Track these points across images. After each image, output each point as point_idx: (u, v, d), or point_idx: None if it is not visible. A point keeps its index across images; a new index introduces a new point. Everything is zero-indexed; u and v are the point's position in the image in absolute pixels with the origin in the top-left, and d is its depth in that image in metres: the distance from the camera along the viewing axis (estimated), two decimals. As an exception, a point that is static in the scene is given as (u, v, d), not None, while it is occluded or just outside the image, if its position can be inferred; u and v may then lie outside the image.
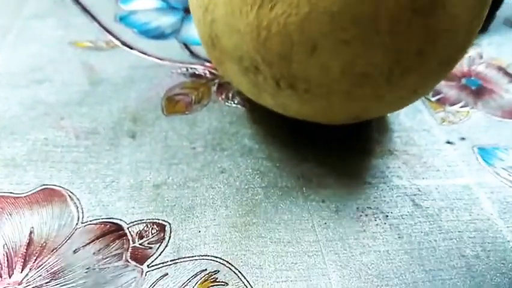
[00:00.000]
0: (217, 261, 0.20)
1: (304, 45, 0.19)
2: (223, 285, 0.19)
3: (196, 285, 0.19)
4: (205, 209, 0.23)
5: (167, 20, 0.36)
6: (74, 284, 0.19)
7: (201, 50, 0.33)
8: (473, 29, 0.20)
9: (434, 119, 0.29)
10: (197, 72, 0.31)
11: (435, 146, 0.27)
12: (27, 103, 0.28)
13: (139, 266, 0.20)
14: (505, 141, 0.28)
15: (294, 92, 0.21)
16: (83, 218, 0.22)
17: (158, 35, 0.35)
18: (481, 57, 0.35)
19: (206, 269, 0.20)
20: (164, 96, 0.29)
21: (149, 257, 0.20)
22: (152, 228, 0.21)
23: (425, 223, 0.23)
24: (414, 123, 0.28)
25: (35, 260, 0.20)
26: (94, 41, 0.33)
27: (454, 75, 0.33)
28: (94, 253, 0.20)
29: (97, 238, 0.21)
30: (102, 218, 0.22)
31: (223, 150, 0.26)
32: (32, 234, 0.21)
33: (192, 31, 0.35)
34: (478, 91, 0.32)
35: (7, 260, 0.20)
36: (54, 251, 0.20)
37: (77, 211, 0.22)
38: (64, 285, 0.19)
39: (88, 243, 0.20)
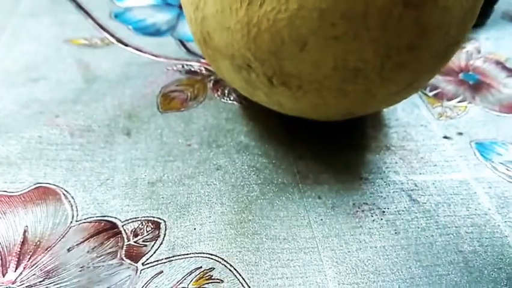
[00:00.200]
0: (212, 259, 0.20)
1: (294, 42, 0.18)
2: (219, 282, 0.19)
3: (191, 282, 0.19)
4: (200, 206, 0.22)
5: (163, 17, 0.36)
6: (68, 283, 0.19)
7: (196, 47, 0.33)
8: (466, 23, 0.20)
9: (431, 114, 0.29)
10: (193, 69, 0.31)
11: (432, 141, 0.27)
12: (22, 101, 0.27)
13: (133, 264, 0.20)
14: (503, 136, 0.27)
15: (287, 89, 0.21)
16: (77, 216, 0.21)
17: (154, 31, 0.35)
18: (479, 51, 0.35)
19: (201, 267, 0.20)
20: (160, 93, 0.29)
21: (144, 255, 0.20)
22: (147, 226, 0.21)
23: (422, 218, 0.22)
24: (411, 118, 0.28)
25: (29, 258, 0.20)
26: (89, 38, 0.33)
27: (452, 70, 0.33)
28: (88, 251, 0.20)
29: (91, 236, 0.21)
30: (96, 216, 0.21)
31: (218, 147, 0.26)
32: (26, 233, 0.21)
33: (188, 28, 0.35)
34: (476, 86, 0.31)
35: (1, 259, 0.19)
36: (49, 249, 0.20)
37: (72, 209, 0.22)
38: (58, 283, 0.19)
39: (82, 242, 0.20)
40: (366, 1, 0.17)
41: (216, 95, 0.29)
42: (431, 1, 0.18)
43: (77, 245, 0.20)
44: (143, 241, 0.21)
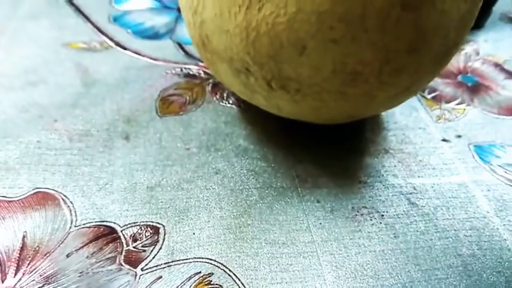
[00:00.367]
0: (211, 264, 0.20)
1: (293, 46, 0.18)
2: (218, 287, 0.19)
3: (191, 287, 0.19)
4: (199, 210, 0.22)
5: (161, 20, 0.36)
6: (67, 288, 0.19)
7: (195, 50, 0.33)
8: (464, 25, 0.20)
9: (430, 116, 0.29)
10: (191, 73, 0.31)
11: (431, 144, 0.27)
12: (21, 105, 0.27)
13: (132, 269, 0.20)
14: (501, 138, 0.27)
15: (286, 92, 0.21)
16: (76, 221, 0.21)
17: (153, 35, 0.35)
18: (477, 53, 0.35)
19: (200, 272, 0.20)
20: (159, 97, 0.29)
21: (143, 260, 0.20)
22: (146, 231, 0.21)
23: (420, 222, 0.23)
24: (409, 121, 0.28)
25: (28, 264, 0.20)
26: (88, 42, 0.33)
27: (450, 72, 0.33)
28: (87, 257, 0.20)
29: (90, 241, 0.21)
30: (95, 221, 0.21)
31: (217, 151, 0.26)
32: (25, 239, 0.21)
33: (186, 31, 0.35)
34: (474, 88, 0.31)
35: (0, 265, 0.19)
36: (48, 255, 0.20)
37: (71, 214, 0.22)
38: (57, 289, 0.19)
39: (81, 247, 0.20)
40: (364, 4, 0.17)
41: (214, 98, 0.29)
42: (429, 4, 0.18)
43: (76, 250, 0.20)
44: (142, 246, 0.21)
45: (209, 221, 0.22)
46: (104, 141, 0.26)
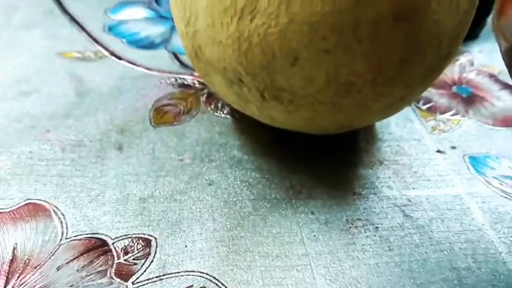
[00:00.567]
0: (203, 277, 0.20)
1: (285, 56, 0.18)
2: (210, 301, 0.19)
3: (182, 301, 0.19)
4: (192, 222, 0.22)
5: (156, 30, 0.36)
6: (56, 303, 0.19)
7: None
8: (458, 35, 0.20)
9: (424, 127, 0.29)
10: (186, 83, 0.31)
11: (425, 155, 0.27)
12: (13, 115, 0.27)
13: (123, 283, 0.19)
14: (496, 150, 0.27)
15: (279, 103, 0.21)
16: (67, 233, 0.21)
17: (148, 44, 0.35)
18: (472, 64, 0.35)
19: (192, 285, 0.20)
20: (153, 107, 0.29)
21: (134, 274, 0.20)
22: (137, 244, 0.21)
23: (415, 234, 0.22)
24: (404, 133, 0.28)
25: (18, 277, 0.19)
26: (82, 51, 0.33)
27: (445, 83, 0.33)
28: (77, 270, 0.20)
29: (81, 254, 0.20)
30: (86, 233, 0.21)
31: (211, 162, 0.25)
32: (16, 251, 0.20)
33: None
34: (469, 99, 0.31)
35: (-12, 278, 0.19)
36: (38, 267, 0.20)
37: (62, 226, 0.21)
38: (46, 303, 0.19)
39: (72, 260, 0.20)
40: (356, 14, 0.17)
41: (209, 108, 0.29)
42: (421, 13, 0.18)
43: (66, 263, 0.20)
44: (133, 259, 0.20)
45: (202, 233, 0.22)
46: (96, 152, 0.25)
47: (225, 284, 0.20)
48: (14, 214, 0.22)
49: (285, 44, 0.18)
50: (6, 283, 0.19)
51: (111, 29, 0.36)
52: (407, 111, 0.30)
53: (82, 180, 0.24)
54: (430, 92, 0.32)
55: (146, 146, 0.26)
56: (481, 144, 0.28)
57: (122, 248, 0.21)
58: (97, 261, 0.20)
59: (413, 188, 0.25)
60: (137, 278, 0.20)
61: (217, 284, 0.20)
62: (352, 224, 0.23)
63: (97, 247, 0.21)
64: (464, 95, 0.32)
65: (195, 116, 0.28)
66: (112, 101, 0.29)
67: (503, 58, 0.13)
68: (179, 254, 0.21)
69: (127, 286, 0.19)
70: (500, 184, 0.25)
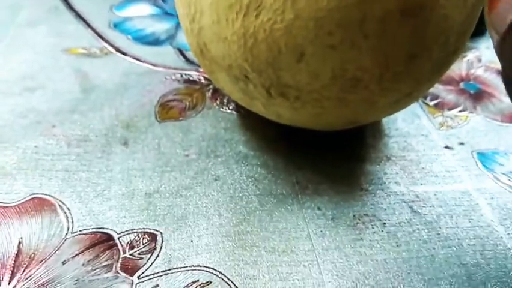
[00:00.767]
0: (209, 272, 0.20)
1: (291, 52, 0.18)
2: (216, 296, 0.19)
3: (188, 296, 0.19)
4: (198, 217, 0.22)
5: (162, 26, 0.36)
6: (62, 297, 0.19)
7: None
8: (465, 31, 0.20)
9: (432, 123, 0.28)
10: (191, 78, 0.31)
11: (433, 151, 0.26)
12: (18, 111, 0.27)
13: (129, 277, 0.19)
14: (505, 146, 0.27)
15: (286, 99, 0.20)
16: (72, 228, 0.21)
17: (153, 41, 0.35)
18: (480, 60, 0.34)
19: (198, 280, 0.19)
20: (158, 102, 0.29)
21: (140, 268, 0.20)
22: (143, 238, 0.21)
23: (423, 230, 0.22)
24: (411, 128, 0.28)
25: (23, 271, 0.19)
26: (88, 48, 0.33)
27: (452, 79, 0.32)
28: (83, 264, 0.20)
29: (87, 249, 0.20)
30: (92, 228, 0.21)
31: (217, 157, 0.25)
32: (21, 245, 0.20)
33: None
34: (477, 95, 0.31)
35: (-6, 272, 0.19)
36: (43, 262, 0.20)
37: (67, 221, 0.21)
38: (52, 297, 0.18)
39: (77, 254, 0.20)
40: (363, 9, 0.17)
41: (214, 104, 0.29)
42: (429, 9, 0.18)
43: (72, 257, 0.20)
44: (139, 254, 0.20)
45: (207, 228, 0.22)
46: (102, 147, 0.25)
47: (231, 279, 0.19)
48: (19, 208, 0.22)
49: (291, 40, 0.18)
50: (12, 277, 0.19)
51: (116, 25, 0.36)
52: (415, 107, 0.30)
53: (88, 175, 0.24)
54: (438, 88, 0.31)
55: (151, 141, 0.26)
56: (489, 140, 0.28)
57: (127, 243, 0.21)
58: (103, 256, 0.20)
59: (421, 184, 0.24)
60: (142, 273, 0.19)
61: (223, 279, 0.19)
62: (359, 219, 0.22)
63: (103, 241, 0.21)
64: (471, 91, 0.31)
65: (201, 112, 0.28)
66: (117, 97, 0.29)
67: (495, 51, 0.13)
68: (185, 248, 0.21)
69: (132, 280, 0.19)
70: (509, 180, 0.25)
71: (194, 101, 0.29)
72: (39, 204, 0.22)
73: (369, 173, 0.25)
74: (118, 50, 0.33)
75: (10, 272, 0.19)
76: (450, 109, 0.30)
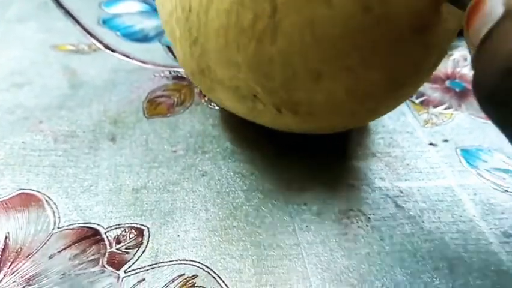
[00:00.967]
0: (195, 266, 0.20)
1: (309, 74, 0.18)
2: (202, 289, 0.19)
3: (174, 290, 0.19)
4: (185, 213, 0.22)
5: (151, 23, 0.36)
6: (48, 290, 0.19)
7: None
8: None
9: (417, 121, 0.29)
10: (180, 75, 0.31)
11: (418, 147, 0.27)
12: (6, 107, 0.27)
13: (115, 271, 0.19)
14: (489, 143, 0.28)
15: (296, 115, 0.21)
16: (59, 223, 0.21)
17: (142, 38, 0.35)
18: (465, 59, 0.35)
19: (184, 274, 0.20)
20: (146, 98, 0.29)
21: (127, 262, 0.20)
22: (130, 233, 0.21)
23: (407, 225, 0.22)
24: (397, 125, 0.28)
25: (10, 265, 0.19)
26: (76, 44, 0.33)
27: (438, 78, 0.33)
28: (69, 258, 0.20)
29: (73, 243, 0.20)
30: (79, 223, 0.21)
31: (204, 153, 0.25)
32: (8, 240, 0.20)
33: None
34: (462, 93, 0.32)
35: (-20, 267, 0.19)
36: (30, 256, 0.20)
37: (54, 216, 0.21)
38: (38, 291, 0.19)
39: (64, 249, 0.20)
40: (377, 30, 0.17)
41: (202, 100, 0.29)
42: (437, 24, 0.18)
43: (58, 252, 0.20)
44: (125, 248, 0.20)
45: (194, 223, 0.22)
46: (89, 143, 0.25)
47: (217, 273, 0.20)
48: (6, 204, 0.22)
49: (308, 62, 0.18)
50: (-2, 271, 0.19)
51: (105, 22, 0.36)
52: (401, 105, 0.30)
53: (75, 170, 0.24)
54: (424, 87, 0.32)
55: (139, 137, 0.26)
56: (473, 137, 0.28)
57: (114, 237, 0.21)
58: (89, 250, 0.20)
59: (405, 180, 0.25)
60: (129, 267, 0.20)
61: (209, 273, 0.20)
62: (344, 214, 0.23)
63: (89, 236, 0.21)
64: (457, 89, 0.32)
65: (189, 108, 0.28)
66: (105, 93, 0.29)
67: (471, 66, 0.14)
68: (172, 243, 0.21)
69: (119, 274, 0.19)
70: (492, 176, 0.25)
71: (182, 97, 0.29)
72: (26, 200, 0.22)
73: (355, 169, 0.25)
74: (106, 46, 0.33)
75: (-4, 267, 0.19)
76: (435, 107, 0.30)
